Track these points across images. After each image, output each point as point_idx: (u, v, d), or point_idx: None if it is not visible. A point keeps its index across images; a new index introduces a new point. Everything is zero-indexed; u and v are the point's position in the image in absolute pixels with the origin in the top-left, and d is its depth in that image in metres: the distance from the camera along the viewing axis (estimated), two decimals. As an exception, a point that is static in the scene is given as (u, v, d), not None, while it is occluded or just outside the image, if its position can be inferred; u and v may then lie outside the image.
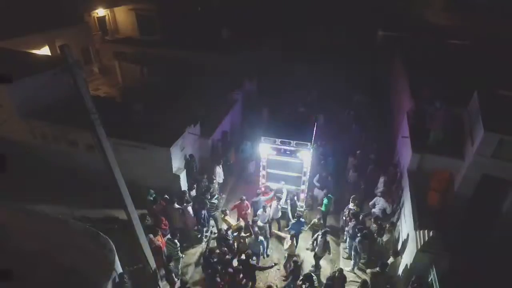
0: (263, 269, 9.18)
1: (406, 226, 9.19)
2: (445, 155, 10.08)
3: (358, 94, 17.45)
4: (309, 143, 10.00)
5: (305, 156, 10.14)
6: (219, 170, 12.00)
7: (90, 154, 11.77)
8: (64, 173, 11.60)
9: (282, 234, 10.33)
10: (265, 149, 10.38)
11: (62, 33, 19.22)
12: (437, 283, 7.15)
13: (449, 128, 10.49)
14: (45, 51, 18.49)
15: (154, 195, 10.28)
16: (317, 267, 9.66)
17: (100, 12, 28.02)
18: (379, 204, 10.27)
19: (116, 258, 7.54)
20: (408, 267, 8.16)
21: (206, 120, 13.19)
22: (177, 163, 11.32)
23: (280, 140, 10.10)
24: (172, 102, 14.08)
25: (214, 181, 11.32)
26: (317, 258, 9.52)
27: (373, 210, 10.37)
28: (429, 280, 7.50)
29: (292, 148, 10.08)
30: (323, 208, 10.75)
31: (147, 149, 10.97)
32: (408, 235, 8.73)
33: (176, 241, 8.85)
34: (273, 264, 9.68)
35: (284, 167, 10.73)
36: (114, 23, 29.84)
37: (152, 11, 29.00)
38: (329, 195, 10.73)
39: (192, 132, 12.02)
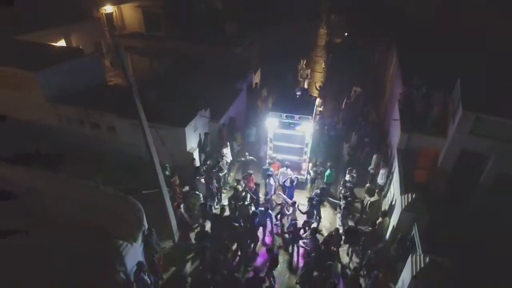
0: None
1: (394, 193, 10.46)
2: (430, 134, 11.34)
3: (357, 84, 18.81)
4: (310, 117, 11.50)
5: (307, 128, 11.57)
6: (226, 151, 13.25)
7: (111, 135, 13.13)
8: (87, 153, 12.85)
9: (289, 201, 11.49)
10: (272, 123, 11.89)
11: (77, 28, 20.42)
12: (418, 238, 8.40)
13: (437, 111, 11.77)
14: (61, 44, 19.70)
15: (170, 170, 11.51)
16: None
17: (108, 8, 29.21)
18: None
19: (144, 216, 8.79)
20: (395, 226, 9.43)
21: (214, 106, 14.44)
22: (190, 142, 12.58)
23: (285, 114, 11.64)
24: (181, 90, 15.32)
25: (224, 157, 12.57)
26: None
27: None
28: (411, 235, 8.77)
29: (296, 121, 11.56)
30: (325, 180, 12.06)
31: (164, 130, 12.19)
32: (395, 200, 10.02)
33: (197, 192, 10.51)
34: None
35: (288, 140, 12.31)
36: (121, 19, 31.02)
37: (158, 7, 30.20)
38: (332, 168, 12.14)
39: (203, 115, 13.27)
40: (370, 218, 10.37)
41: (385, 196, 11.27)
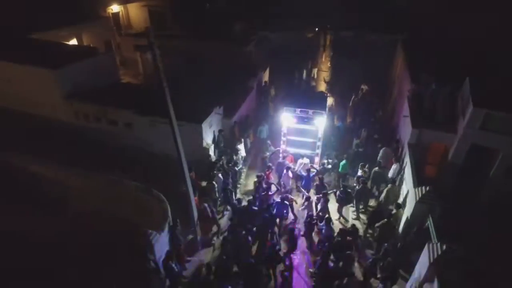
0: None
1: (406, 186, 10.83)
2: (440, 129, 11.71)
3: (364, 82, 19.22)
4: (324, 112, 12.08)
5: (320, 123, 12.05)
6: (240, 147, 13.59)
7: (128, 131, 13.44)
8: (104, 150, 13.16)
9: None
10: (286, 118, 12.41)
11: (87, 27, 20.72)
12: (433, 227, 8.76)
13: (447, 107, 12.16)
14: (73, 42, 20.00)
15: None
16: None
17: (115, 8, 29.54)
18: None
19: (168, 207, 9.13)
20: (409, 218, 9.80)
21: (227, 103, 14.77)
22: (206, 138, 12.91)
23: (299, 109, 12.18)
24: (193, 88, 15.64)
25: (239, 152, 12.93)
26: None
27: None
28: (426, 225, 9.13)
29: (310, 116, 12.10)
30: (340, 170, 12.63)
31: (181, 126, 12.51)
32: (408, 192, 10.39)
33: (214, 182, 11.02)
34: None
35: (301, 134, 12.87)
36: (127, 19, 31.36)
37: (164, 7, 30.52)
38: (347, 160, 12.68)
39: (218, 112, 13.61)
40: (385, 205, 10.93)
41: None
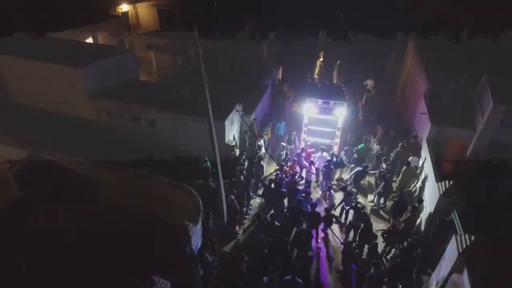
0: None
1: (428, 181, 11.12)
2: (458, 126, 12.00)
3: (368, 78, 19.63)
4: (344, 102, 12.96)
5: (340, 113, 12.84)
6: (261, 143, 13.86)
7: (151, 128, 13.70)
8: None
9: None
10: (309, 108, 13.28)
11: (102, 26, 21.00)
12: (458, 220, 9.05)
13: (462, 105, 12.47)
14: (88, 41, 20.29)
15: (208, 162, 12.02)
16: None
17: (124, 7, 29.81)
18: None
19: (200, 201, 9.39)
20: (432, 211, 10.09)
21: (244, 101, 15.05)
22: (228, 135, 13.19)
23: (321, 100, 13.05)
24: (210, 86, 15.87)
25: (262, 148, 13.25)
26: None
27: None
28: (449, 218, 9.41)
29: (331, 107, 12.97)
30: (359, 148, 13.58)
31: (204, 123, 12.79)
32: (429, 186, 10.69)
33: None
34: None
35: (322, 124, 13.76)
36: (136, 18, 31.62)
37: (173, 6, 30.74)
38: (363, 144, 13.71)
39: (238, 109, 13.87)
40: (400, 186, 11.89)
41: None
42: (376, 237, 9.51)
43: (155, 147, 13.24)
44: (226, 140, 13.16)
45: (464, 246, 7.91)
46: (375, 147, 14.32)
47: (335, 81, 20.01)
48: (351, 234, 10.56)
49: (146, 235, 9.10)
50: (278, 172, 12.50)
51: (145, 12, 31.21)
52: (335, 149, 13.92)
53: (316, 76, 21.97)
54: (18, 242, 8.58)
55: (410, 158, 12.53)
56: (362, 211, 10.35)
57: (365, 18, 24.50)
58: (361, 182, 12.78)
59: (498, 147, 11.05)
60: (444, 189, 9.71)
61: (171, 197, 10.00)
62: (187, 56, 19.83)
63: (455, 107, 12.61)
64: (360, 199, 12.72)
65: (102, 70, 14.06)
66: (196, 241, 8.61)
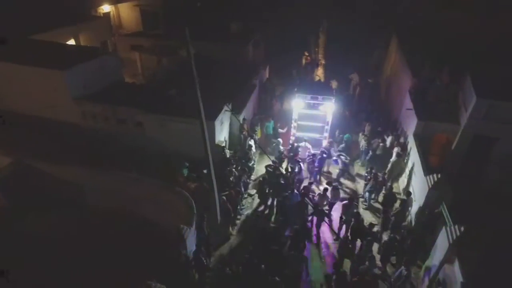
0: None
1: (416, 175, 11.38)
2: (444, 121, 12.32)
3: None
4: (332, 97, 13.28)
5: (329, 108, 13.22)
6: (252, 143, 13.86)
7: (138, 131, 13.46)
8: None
9: None
10: (298, 103, 13.54)
11: (84, 28, 20.50)
12: (447, 211, 9.30)
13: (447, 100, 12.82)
14: (70, 43, 19.75)
15: (187, 167, 11.76)
16: None
17: (106, 8, 29.19)
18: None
19: (193, 202, 9.32)
20: (421, 204, 10.33)
21: (233, 101, 15.00)
22: (218, 136, 13.11)
23: (310, 96, 13.31)
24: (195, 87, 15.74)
25: (252, 148, 13.24)
26: None
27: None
28: (438, 210, 9.66)
29: (320, 102, 13.27)
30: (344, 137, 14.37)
31: (194, 124, 12.67)
32: (418, 180, 10.95)
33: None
34: None
35: (311, 119, 14.05)
36: (118, 19, 31.01)
37: (156, 6, 30.30)
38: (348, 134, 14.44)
39: (228, 109, 13.81)
40: (389, 176, 12.29)
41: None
42: (368, 231, 9.65)
43: (143, 150, 13.07)
44: (217, 141, 13.07)
45: (454, 237, 8.14)
46: (363, 143, 14.56)
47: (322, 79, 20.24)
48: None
49: (139, 239, 8.97)
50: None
51: (127, 13, 30.61)
52: (324, 143, 14.23)
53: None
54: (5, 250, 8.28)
55: (395, 149, 12.90)
56: (354, 203, 10.50)
57: (351, 15, 24.91)
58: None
59: (482, 140, 11.39)
60: (432, 182, 9.96)
61: (163, 200, 9.88)
62: (179, 57, 19.55)
63: (440, 102, 12.93)
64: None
65: (86, 72, 13.70)
66: (191, 244, 8.53)
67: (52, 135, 12.96)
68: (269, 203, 11.81)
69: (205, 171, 11.01)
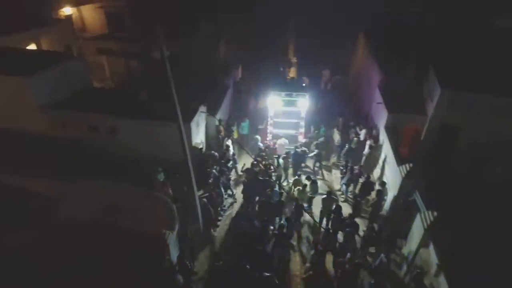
0: None
1: (390, 166, 11.84)
2: (412, 113, 12.89)
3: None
4: (306, 93, 13.77)
5: (303, 104, 13.62)
6: (229, 143, 13.83)
7: (112, 137, 13.05)
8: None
9: None
10: (273, 100, 13.92)
11: (46, 32, 19.57)
12: (420, 198, 9.75)
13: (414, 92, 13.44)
14: (31, 48, 18.78)
15: (162, 172, 11.55)
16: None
17: (67, 10, 28.01)
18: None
19: (174, 207, 9.17)
20: (396, 194, 10.77)
21: (207, 102, 14.90)
22: (195, 138, 12.97)
23: (284, 93, 13.70)
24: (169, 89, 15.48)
25: (229, 149, 13.21)
26: None
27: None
28: (412, 198, 10.11)
29: (294, 98, 13.68)
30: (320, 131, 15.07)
31: (170, 126, 12.43)
32: (391, 170, 11.39)
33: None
34: None
35: (286, 116, 14.43)
36: (82, 22, 29.86)
37: (121, 7, 29.40)
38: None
39: (203, 110, 13.70)
40: (366, 167, 12.84)
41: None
42: (348, 223, 9.93)
43: (117, 157, 12.67)
44: (193, 143, 12.93)
45: (428, 223, 8.56)
46: (337, 137, 14.96)
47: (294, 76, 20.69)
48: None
49: (120, 249, 8.69)
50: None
51: (91, 15, 29.54)
52: (300, 138, 14.67)
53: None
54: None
55: (368, 142, 13.40)
56: (332, 196, 10.76)
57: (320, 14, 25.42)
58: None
59: (448, 129, 12.03)
60: (405, 172, 10.40)
61: (142, 206, 9.64)
62: (149, 59, 19.03)
63: (408, 95, 13.50)
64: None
65: (51, 78, 13.10)
66: (175, 248, 8.41)
67: (18, 147, 12.29)
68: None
69: (177, 175, 11.01)
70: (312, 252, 9.04)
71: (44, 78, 12.78)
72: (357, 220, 10.46)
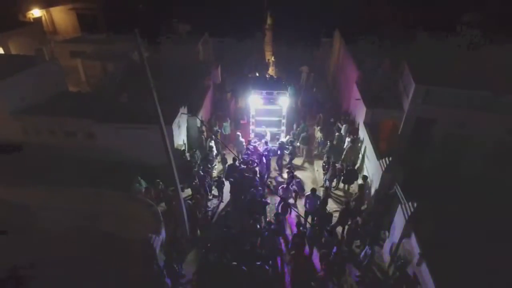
0: None
1: (370, 160, 12.15)
2: (390, 108, 13.28)
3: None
4: (286, 92, 13.84)
5: (284, 102, 13.81)
6: (212, 144, 13.75)
7: (90, 142, 12.70)
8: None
9: None
10: (254, 99, 13.90)
11: (13, 35, 18.77)
12: (400, 190, 10.07)
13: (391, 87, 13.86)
14: (-1, 53, 17.99)
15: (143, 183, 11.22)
16: None
17: (36, 13, 27.01)
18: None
19: (159, 210, 9.04)
20: (377, 187, 11.06)
21: (187, 103, 14.76)
22: (177, 139, 12.82)
23: (265, 91, 13.76)
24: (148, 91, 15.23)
25: (213, 149, 13.16)
26: None
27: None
28: (393, 191, 10.43)
29: (275, 97, 13.78)
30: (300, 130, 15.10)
31: (149, 129, 12.24)
32: (372, 165, 11.70)
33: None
34: None
35: (268, 114, 14.47)
36: (52, 24, 28.85)
37: (94, 9, 28.60)
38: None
39: (184, 112, 13.55)
40: (346, 160, 13.03)
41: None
42: (331, 217, 10.13)
43: (97, 162, 12.34)
44: (176, 145, 12.78)
45: (409, 214, 8.86)
46: (318, 134, 15.18)
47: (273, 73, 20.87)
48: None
49: (106, 256, 8.49)
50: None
51: (61, 17, 28.61)
52: (282, 136, 14.77)
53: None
54: None
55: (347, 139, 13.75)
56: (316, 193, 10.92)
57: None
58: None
59: (423, 123, 12.50)
60: (385, 166, 10.70)
61: (126, 211, 9.46)
62: (126, 61, 18.63)
63: (385, 91, 13.91)
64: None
65: (22, 83, 12.60)
66: (161, 252, 8.30)
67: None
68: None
69: (158, 180, 10.88)
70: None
71: (14, 83, 12.27)
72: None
